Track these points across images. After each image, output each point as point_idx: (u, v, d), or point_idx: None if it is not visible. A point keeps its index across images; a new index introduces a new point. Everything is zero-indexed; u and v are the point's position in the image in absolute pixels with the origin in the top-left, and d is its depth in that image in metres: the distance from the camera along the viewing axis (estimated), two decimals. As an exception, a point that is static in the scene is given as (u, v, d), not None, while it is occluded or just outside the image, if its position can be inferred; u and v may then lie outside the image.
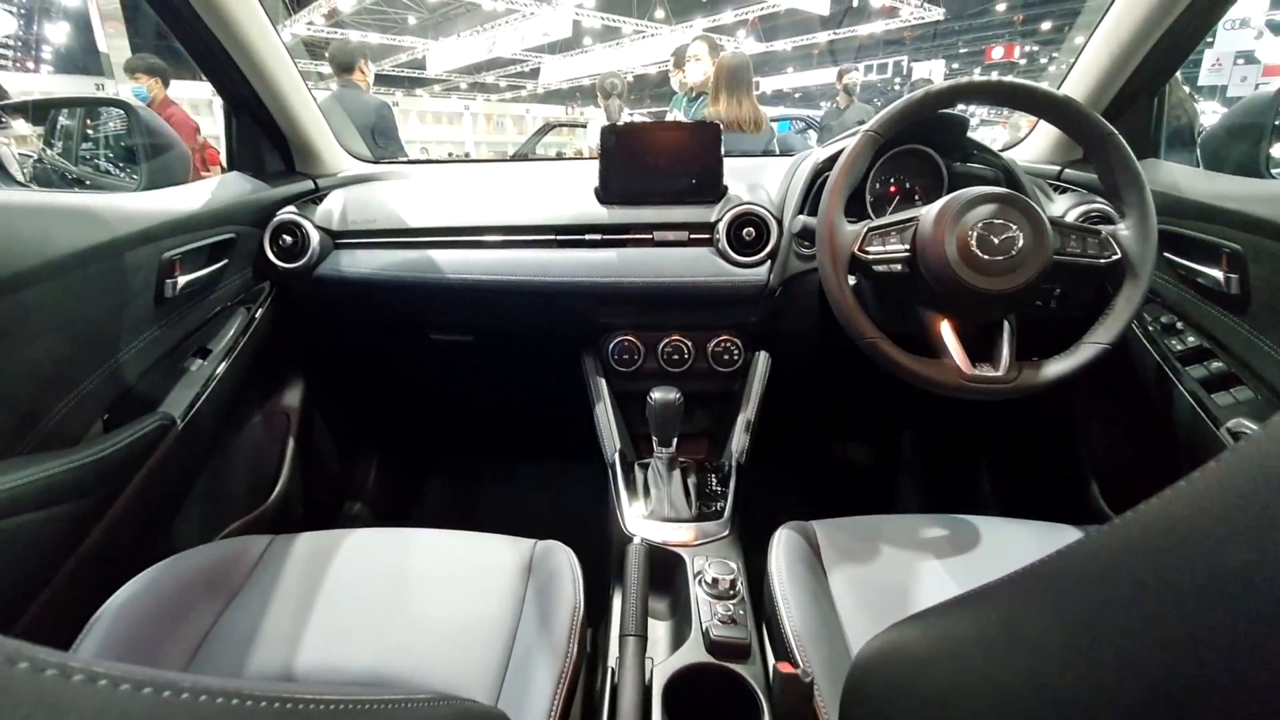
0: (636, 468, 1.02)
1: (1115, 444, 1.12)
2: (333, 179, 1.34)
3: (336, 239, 1.17)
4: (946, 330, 0.83)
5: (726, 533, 0.89)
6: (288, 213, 1.15)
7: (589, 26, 15.90)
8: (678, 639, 0.75)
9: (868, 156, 0.85)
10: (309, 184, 1.28)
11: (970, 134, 1.04)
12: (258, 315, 1.13)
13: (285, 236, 1.14)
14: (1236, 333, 0.82)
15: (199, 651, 0.69)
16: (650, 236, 1.10)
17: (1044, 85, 0.85)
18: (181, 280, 0.94)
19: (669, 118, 3.07)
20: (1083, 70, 1.09)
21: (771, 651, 0.72)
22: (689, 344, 1.14)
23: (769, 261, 1.07)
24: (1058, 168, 1.16)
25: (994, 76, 0.98)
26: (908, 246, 0.83)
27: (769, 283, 1.07)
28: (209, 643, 0.70)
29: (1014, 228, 0.77)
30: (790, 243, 1.06)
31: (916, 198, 1.04)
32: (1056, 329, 0.88)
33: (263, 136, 1.25)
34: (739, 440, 1.04)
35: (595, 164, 1.13)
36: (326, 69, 2.97)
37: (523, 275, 1.09)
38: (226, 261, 1.06)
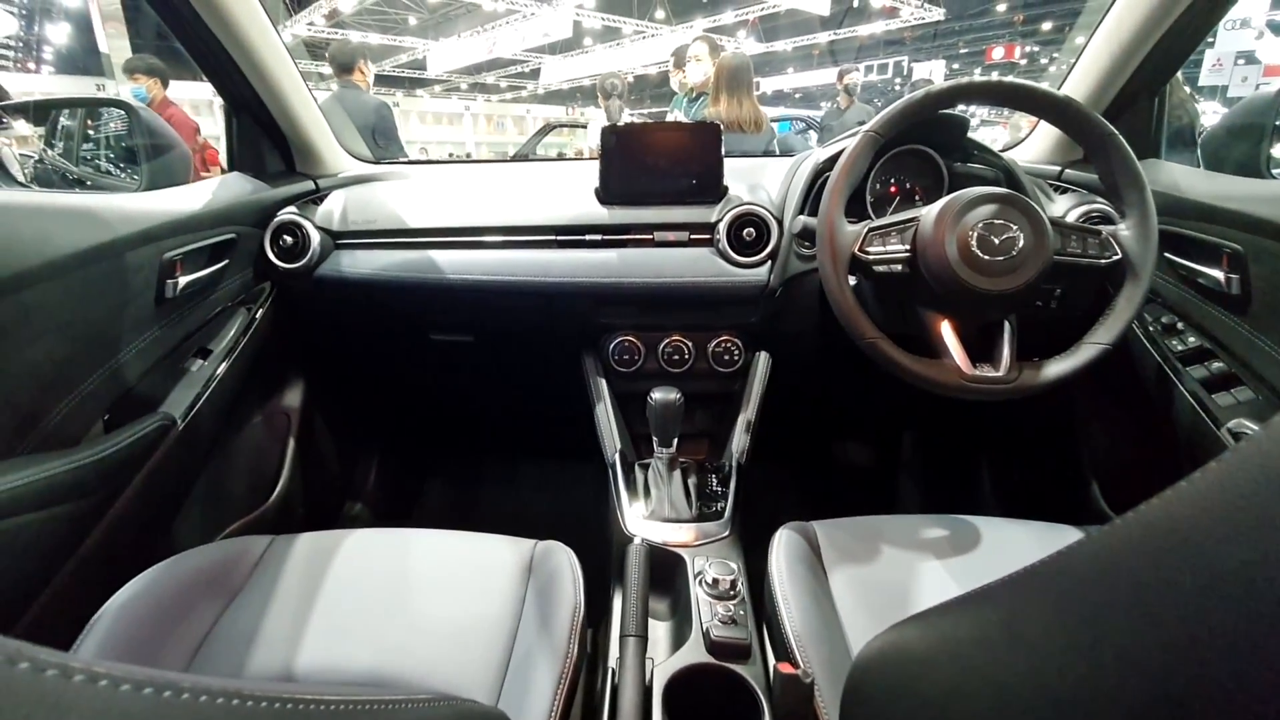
0: (637, 468, 1.02)
1: (1116, 444, 1.12)
2: (333, 179, 1.34)
3: (337, 239, 1.17)
4: (947, 330, 0.83)
5: (727, 533, 0.89)
6: (288, 213, 1.15)
7: (589, 27, 15.91)
8: (678, 639, 0.75)
9: (868, 157, 0.85)
10: (309, 184, 1.28)
11: (971, 134, 1.04)
12: (258, 316, 1.13)
13: (286, 237, 1.14)
14: (1237, 333, 0.82)
15: (199, 652, 0.69)
16: (651, 237, 1.10)
17: (1044, 85, 0.85)
18: (182, 280, 0.94)
19: (669, 118, 3.07)
20: (1083, 70, 1.09)
21: (772, 652, 0.72)
22: (689, 344, 1.14)
23: (769, 262, 1.07)
24: (1058, 168, 1.16)
25: (994, 77, 0.98)
26: (908, 247, 0.83)
27: (769, 283, 1.07)
28: (209, 643, 0.70)
29: (1014, 228, 0.77)
30: (790, 243, 1.06)
31: (917, 198, 1.04)
32: (1057, 329, 0.88)
33: (263, 137, 1.25)
34: (739, 440, 1.04)
35: (595, 164, 1.13)
36: (327, 69, 2.98)
37: (523, 276, 1.09)
38: (227, 262, 1.06)
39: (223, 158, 1.32)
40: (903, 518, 0.88)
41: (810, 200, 1.04)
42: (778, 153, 2.18)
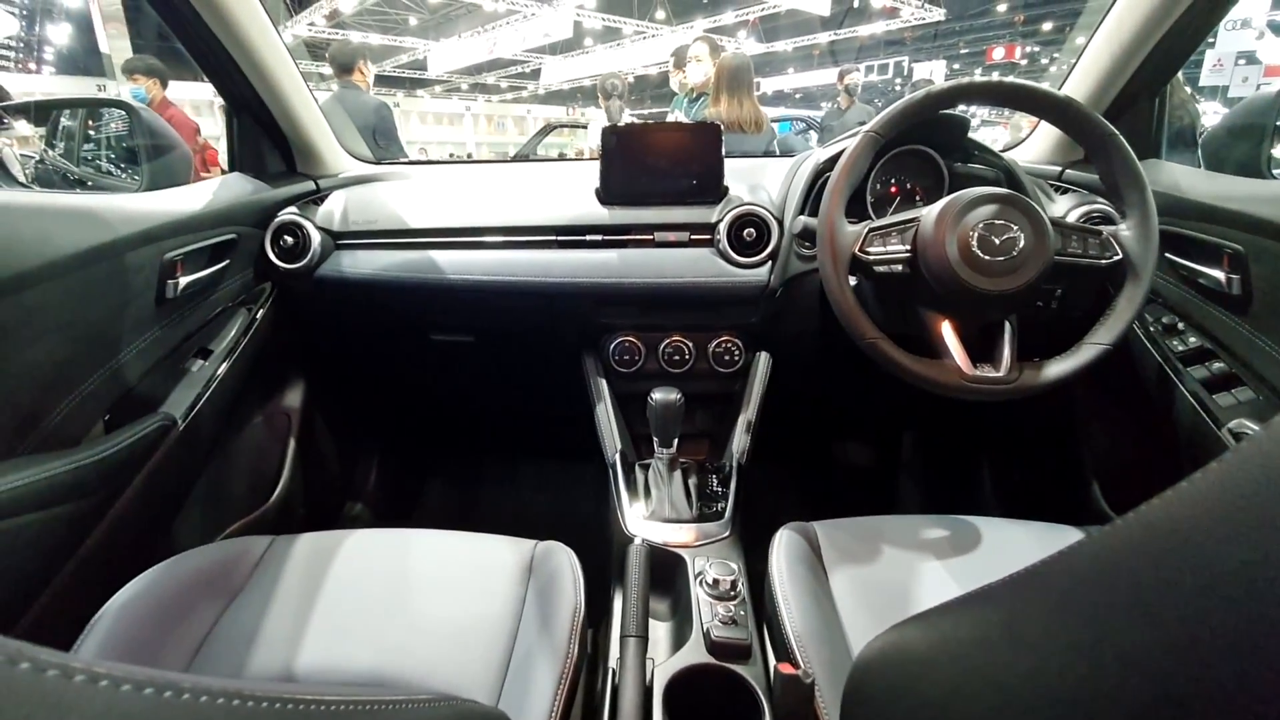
0: (637, 468, 1.02)
1: (1117, 445, 1.12)
2: (334, 180, 1.34)
3: (338, 240, 1.17)
4: (947, 331, 0.83)
5: (727, 533, 0.89)
6: (289, 213, 1.16)
7: (590, 27, 15.92)
8: (678, 640, 0.74)
9: (868, 157, 0.85)
10: (310, 185, 1.28)
11: (971, 134, 1.04)
12: (259, 316, 1.13)
13: (286, 237, 1.14)
14: (1238, 333, 0.82)
15: (200, 652, 0.69)
16: (651, 237, 1.10)
17: (1045, 86, 0.85)
18: (183, 281, 0.94)
19: (670, 118, 3.07)
20: (1084, 71, 1.09)
21: (772, 652, 0.72)
22: (690, 345, 1.14)
23: (770, 262, 1.07)
24: (1059, 168, 1.16)
25: (995, 77, 0.98)
26: (909, 247, 0.83)
27: (770, 283, 1.07)
28: (210, 643, 0.70)
29: (1015, 228, 0.77)
30: (791, 243, 1.06)
31: (917, 198, 1.04)
32: (1058, 330, 0.88)
33: (264, 137, 1.26)
34: (740, 441, 1.04)
35: (596, 165, 1.13)
36: (328, 70, 2.98)
37: (524, 276, 1.09)
38: (228, 262, 1.06)
39: (223, 158, 1.32)
40: (903, 518, 0.88)
41: (811, 200, 1.04)
42: (778, 153, 2.18)
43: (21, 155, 1.69)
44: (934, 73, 14.95)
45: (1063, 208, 1.02)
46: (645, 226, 1.10)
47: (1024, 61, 17.83)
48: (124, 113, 1.39)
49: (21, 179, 1.63)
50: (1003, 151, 1.07)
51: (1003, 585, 0.32)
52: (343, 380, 1.52)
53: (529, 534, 0.87)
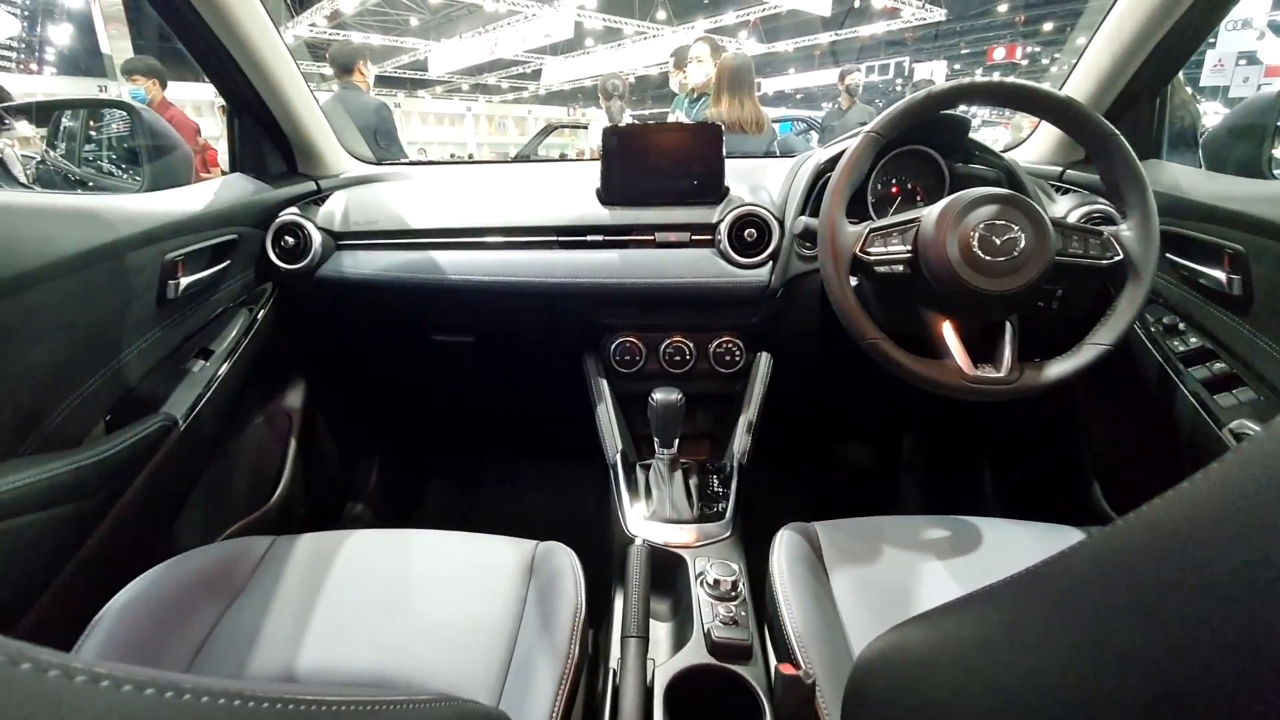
0: (638, 469, 1.02)
1: (1117, 445, 1.12)
2: (335, 180, 1.35)
3: (338, 240, 1.17)
4: (948, 331, 0.83)
5: (728, 534, 0.89)
6: (290, 214, 1.16)
7: (591, 28, 15.92)
8: (679, 640, 0.74)
9: (869, 157, 0.85)
10: (311, 185, 1.28)
11: (972, 135, 1.04)
12: (260, 316, 1.13)
13: (287, 238, 1.14)
14: (1239, 333, 0.82)
15: (201, 652, 0.69)
16: (652, 237, 1.10)
17: (1046, 86, 0.85)
18: (184, 281, 0.94)
19: (671, 119, 3.07)
20: (1084, 71, 1.09)
21: (773, 653, 0.72)
22: (690, 345, 1.14)
23: (771, 262, 1.07)
24: (1060, 168, 1.16)
25: (996, 77, 0.98)
26: (909, 247, 0.83)
27: (770, 284, 1.07)
28: (211, 643, 0.70)
29: (1016, 229, 0.77)
30: (792, 244, 1.07)
31: (918, 199, 1.04)
32: (1058, 330, 0.88)
33: (265, 138, 1.26)
34: (740, 441, 1.04)
35: (597, 165, 1.13)
36: (329, 70, 2.98)
37: (524, 276, 1.09)
38: (229, 262, 1.06)
39: (223, 158, 1.32)
40: (904, 518, 0.88)
41: (811, 201, 1.04)
42: (779, 154, 2.18)
43: (23, 156, 1.70)
44: (935, 73, 14.94)
45: (1063, 208, 1.02)
46: (646, 227, 1.10)
47: (1025, 62, 17.83)
48: (125, 113, 1.39)
49: (23, 179, 1.63)
50: (1003, 152, 1.07)
51: (1004, 586, 0.32)
52: (344, 380, 1.52)
53: (530, 534, 0.87)
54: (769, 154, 2.21)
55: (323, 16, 13.64)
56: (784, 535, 0.83)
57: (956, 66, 19.23)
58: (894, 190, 1.05)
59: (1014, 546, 0.84)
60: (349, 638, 0.70)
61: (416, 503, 1.74)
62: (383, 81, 19.37)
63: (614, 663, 0.70)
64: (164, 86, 3.42)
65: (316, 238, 1.14)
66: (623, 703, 0.61)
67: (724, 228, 1.07)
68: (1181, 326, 0.92)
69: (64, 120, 1.55)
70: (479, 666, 0.68)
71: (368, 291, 1.16)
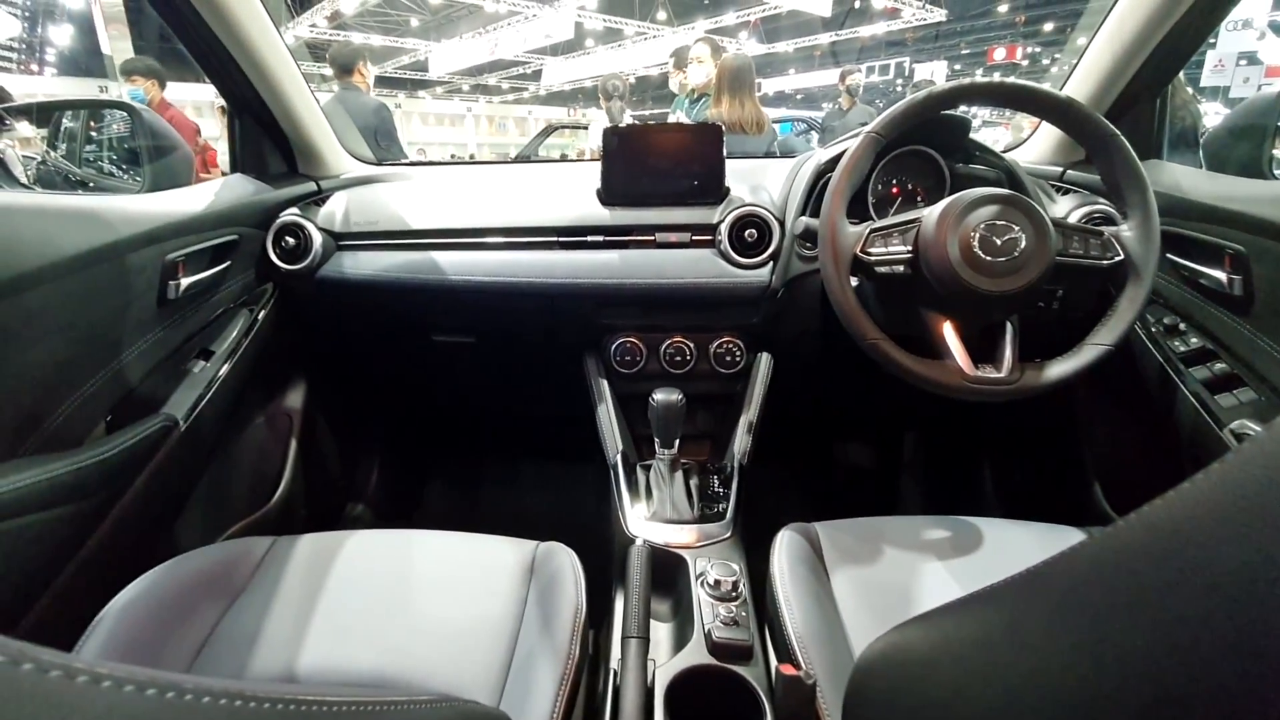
0: (639, 469, 1.02)
1: (1118, 445, 1.12)
2: (335, 181, 1.35)
3: (339, 240, 1.17)
4: (949, 331, 0.83)
5: (728, 534, 0.89)
6: (290, 214, 1.16)
7: (591, 28, 15.92)
8: (680, 641, 0.74)
9: (870, 158, 0.85)
10: (311, 186, 1.28)
11: (972, 135, 1.04)
12: (260, 317, 1.13)
13: (288, 238, 1.15)
14: (1239, 334, 0.82)
15: (201, 653, 0.69)
16: (652, 238, 1.10)
17: (1046, 86, 0.85)
18: (184, 282, 0.94)
19: (671, 119, 3.07)
20: (1085, 71, 1.09)
21: (774, 653, 0.72)
22: (691, 345, 1.14)
23: (771, 263, 1.07)
24: (1060, 169, 1.16)
25: (996, 78, 0.98)
26: (910, 248, 0.83)
27: (771, 284, 1.07)
28: (211, 644, 0.70)
29: (1016, 229, 0.77)
30: (792, 244, 1.07)
31: (919, 199, 1.04)
32: (1059, 330, 0.88)
33: (265, 138, 1.26)
34: (741, 441, 1.04)
35: (597, 166, 1.13)
36: (329, 71, 2.98)
37: (525, 277, 1.09)
38: (229, 263, 1.06)
39: (222, 159, 1.32)
40: (905, 519, 0.88)
41: (812, 201, 1.04)
42: (779, 154, 2.19)
43: (24, 157, 1.70)
44: (935, 73, 14.93)
45: (1064, 208, 1.02)
46: (647, 227, 1.10)
47: (1025, 62, 17.83)
48: (126, 114, 1.39)
49: (24, 180, 1.63)
50: (1004, 152, 1.07)
51: (1004, 586, 0.32)
52: (344, 381, 1.52)
53: (530, 535, 0.87)
54: (769, 154, 2.21)
55: (323, 17, 13.65)
56: (784, 536, 0.83)
57: (957, 67, 19.22)
58: (894, 191, 1.05)
59: (1015, 547, 0.84)
60: (350, 638, 0.70)
61: (417, 503, 1.74)
62: (383, 82, 19.38)
63: (615, 663, 0.70)
64: (163, 87, 3.42)
65: (317, 238, 1.14)
66: (623, 703, 0.61)
67: (724, 228, 1.07)
68: (1182, 327, 0.92)
69: (65, 121, 1.55)
70: (480, 667, 0.68)
71: (368, 292, 1.16)
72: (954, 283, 0.77)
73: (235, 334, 1.06)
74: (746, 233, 1.07)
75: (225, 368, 1.01)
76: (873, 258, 0.83)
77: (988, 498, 1.47)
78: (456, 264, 1.11)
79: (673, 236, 1.09)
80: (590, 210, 1.12)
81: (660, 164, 1.11)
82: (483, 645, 0.70)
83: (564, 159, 5.40)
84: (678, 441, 0.97)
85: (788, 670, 0.62)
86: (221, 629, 0.71)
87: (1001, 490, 1.45)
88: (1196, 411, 0.83)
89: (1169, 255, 0.93)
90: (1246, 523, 0.20)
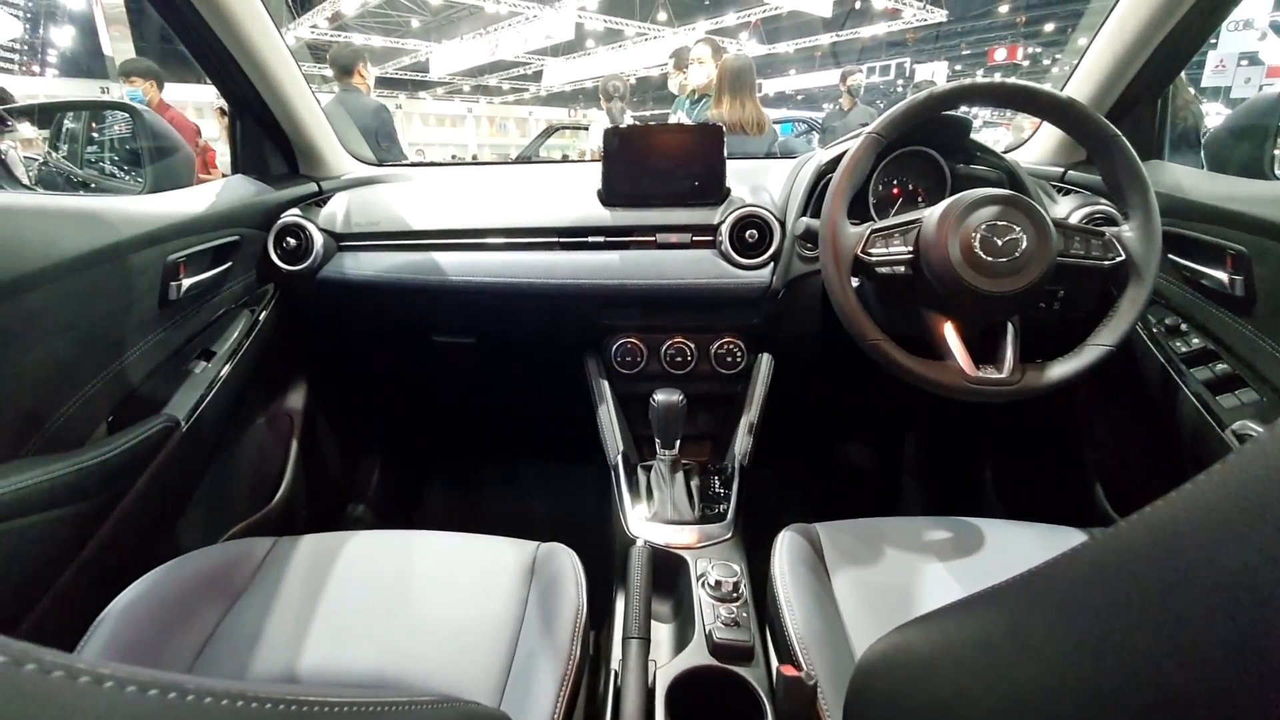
0: (639, 470, 1.02)
1: (1120, 446, 1.12)
2: (336, 181, 1.35)
3: (340, 241, 1.17)
4: (950, 332, 0.82)
5: (729, 535, 0.89)
6: (291, 215, 1.16)
7: (592, 29, 15.93)
8: (681, 642, 0.74)
9: (870, 159, 0.85)
10: (313, 186, 1.28)
11: (973, 136, 1.04)
12: (261, 318, 1.13)
13: (289, 239, 1.15)
14: (1241, 334, 0.82)
15: (203, 653, 0.69)
16: (653, 239, 1.10)
17: (1047, 87, 0.85)
18: (186, 283, 0.95)
19: (672, 120, 3.07)
20: (1086, 72, 1.09)
21: (775, 654, 0.72)
22: (692, 346, 1.14)
23: (772, 264, 1.07)
24: (1061, 169, 1.16)
25: (997, 78, 0.98)
26: (911, 248, 0.83)
27: (772, 285, 1.07)
28: (213, 644, 0.70)
29: (1017, 229, 0.77)
30: (793, 245, 1.07)
31: (919, 200, 1.04)
32: (1060, 331, 0.88)
33: (266, 139, 1.26)
34: (742, 442, 1.04)
35: (598, 166, 1.13)
36: (330, 71, 2.98)
37: (526, 277, 1.09)
38: (231, 264, 1.06)
39: (222, 160, 1.32)
40: (906, 520, 0.88)
41: (813, 202, 1.04)
42: (780, 155, 2.19)
43: (26, 158, 1.70)
44: (936, 74, 14.92)
45: (1065, 209, 1.02)
46: (647, 228, 1.10)
47: (1026, 63, 17.82)
48: (127, 115, 1.39)
49: (26, 181, 1.63)
50: (1005, 153, 1.07)
51: (1006, 587, 0.32)
52: (345, 382, 1.52)
53: (531, 535, 0.87)
54: (770, 155, 2.21)
55: (324, 18, 13.67)
56: (785, 536, 0.83)
57: (958, 67, 19.23)
58: (895, 191, 1.05)
59: (1016, 548, 0.83)
60: (351, 639, 0.70)
61: (418, 504, 1.74)
62: (384, 83, 19.40)
63: (615, 664, 0.70)
64: (161, 88, 3.42)
65: (318, 239, 1.14)
66: (624, 704, 0.61)
67: (725, 229, 1.07)
68: (1184, 327, 0.92)
69: (66, 122, 1.55)
70: (480, 668, 0.68)
71: (369, 293, 1.16)
72: (955, 283, 0.77)
73: (236, 335, 1.06)
74: (747, 233, 1.07)
75: (226, 368, 1.01)
76: (873, 258, 0.83)
77: (989, 498, 1.47)
78: (457, 265, 1.11)
79: (673, 237, 1.09)
80: (591, 211, 1.12)
81: (661, 165, 1.11)
82: (483, 646, 0.70)
83: (565, 160, 5.41)
84: (678, 442, 0.97)
85: (789, 671, 0.62)
86: (223, 629, 0.71)
87: (1003, 491, 1.45)
88: (1198, 412, 0.83)
89: (1170, 256, 0.93)
90: (1248, 524, 0.20)
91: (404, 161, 1.71)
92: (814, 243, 0.89)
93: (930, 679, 0.37)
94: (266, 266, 1.15)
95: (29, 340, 0.71)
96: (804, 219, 1.00)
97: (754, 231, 1.07)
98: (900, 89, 15.98)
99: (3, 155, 1.67)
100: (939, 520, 0.87)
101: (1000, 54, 16.76)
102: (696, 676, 0.67)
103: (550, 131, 5.70)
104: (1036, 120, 1.23)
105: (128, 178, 1.39)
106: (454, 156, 14.73)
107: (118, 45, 9.75)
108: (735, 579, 0.79)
